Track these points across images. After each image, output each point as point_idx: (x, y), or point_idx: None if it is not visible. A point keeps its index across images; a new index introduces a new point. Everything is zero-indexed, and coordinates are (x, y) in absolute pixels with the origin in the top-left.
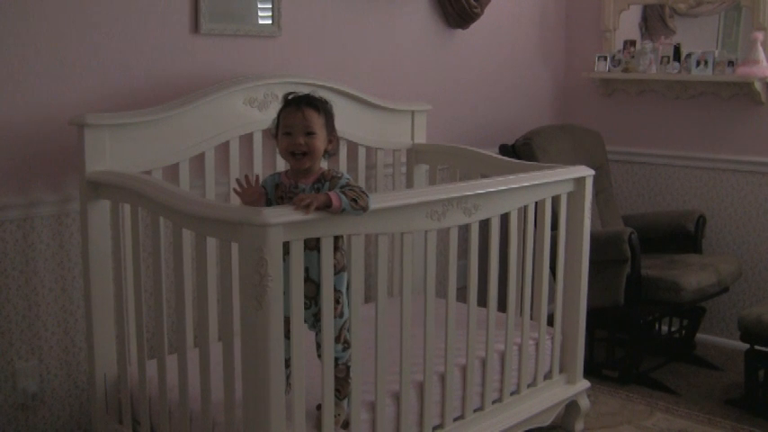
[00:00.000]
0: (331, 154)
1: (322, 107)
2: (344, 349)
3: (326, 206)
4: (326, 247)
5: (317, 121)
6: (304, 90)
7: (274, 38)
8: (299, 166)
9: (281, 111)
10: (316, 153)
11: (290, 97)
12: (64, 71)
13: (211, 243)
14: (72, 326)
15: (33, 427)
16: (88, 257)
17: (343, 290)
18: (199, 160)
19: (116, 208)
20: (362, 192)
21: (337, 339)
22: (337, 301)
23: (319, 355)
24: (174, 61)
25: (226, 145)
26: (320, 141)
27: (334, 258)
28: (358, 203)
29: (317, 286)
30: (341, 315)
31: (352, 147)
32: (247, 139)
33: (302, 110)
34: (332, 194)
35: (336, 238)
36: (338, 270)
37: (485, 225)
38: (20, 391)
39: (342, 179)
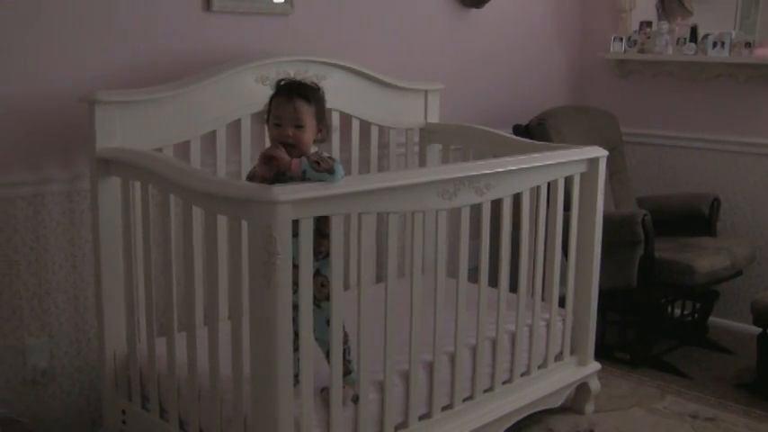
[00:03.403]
0: (321, 141)
1: (313, 96)
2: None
3: (287, 169)
4: (307, 228)
5: (306, 112)
6: (314, 70)
7: (287, 15)
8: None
9: (272, 98)
10: (303, 145)
11: (282, 83)
12: (75, 48)
13: (222, 220)
14: (82, 303)
15: (43, 403)
16: (98, 235)
17: (329, 275)
18: (210, 138)
19: (126, 185)
20: (329, 157)
21: (328, 323)
22: (322, 285)
23: (316, 338)
24: (185, 38)
25: (237, 123)
26: (309, 133)
27: (322, 244)
28: (320, 165)
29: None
30: (327, 298)
31: (365, 126)
32: (259, 118)
33: (293, 101)
34: (295, 160)
35: (323, 225)
36: (324, 255)
37: (496, 205)
38: (30, 368)
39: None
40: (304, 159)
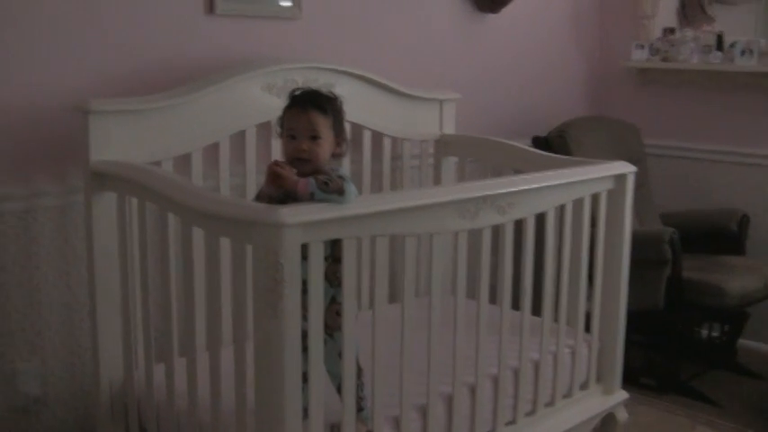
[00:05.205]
0: (339, 156)
1: (330, 107)
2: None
3: (293, 190)
4: (317, 253)
5: (323, 123)
6: (324, 78)
7: (295, 20)
8: (298, 169)
9: (285, 109)
10: (319, 160)
11: (296, 93)
12: (69, 54)
13: (225, 242)
14: (77, 325)
15: None
16: (93, 253)
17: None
18: (212, 150)
19: (123, 201)
20: (339, 176)
21: (340, 355)
22: (337, 314)
23: (327, 370)
24: (186, 44)
25: (241, 134)
26: (326, 146)
27: (337, 270)
28: (329, 186)
29: None
30: (341, 328)
31: (377, 137)
32: (265, 128)
33: (308, 112)
34: (302, 180)
35: (336, 249)
36: (339, 282)
37: (517, 224)
38: (21, 394)
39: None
40: (311, 180)
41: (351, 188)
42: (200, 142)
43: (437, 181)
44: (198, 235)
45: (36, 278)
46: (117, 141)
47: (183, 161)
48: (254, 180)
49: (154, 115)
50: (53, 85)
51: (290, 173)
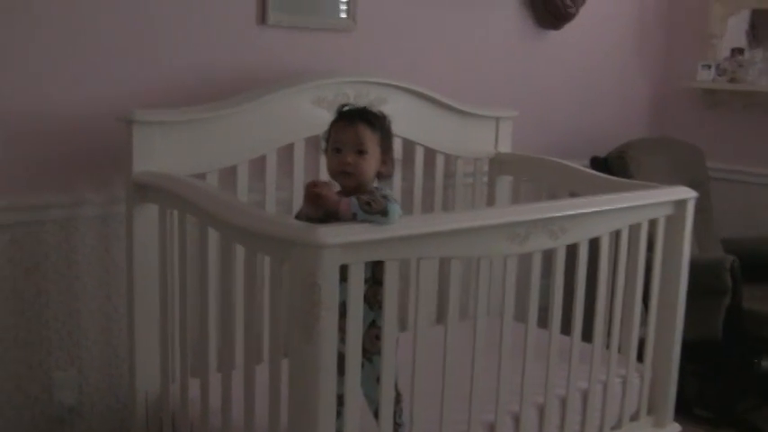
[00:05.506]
0: (385, 177)
1: (378, 123)
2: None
3: (334, 211)
4: (357, 275)
5: (370, 138)
6: (376, 92)
7: (348, 32)
8: (342, 184)
9: (332, 124)
10: (363, 176)
11: (344, 109)
12: (117, 63)
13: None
14: (116, 336)
15: None
16: (132, 265)
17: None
18: (259, 163)
19: (164, 214)
20: (383, 196)
21: (378, 380)
22: (377, 338)
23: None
24: (237, 54)
25: (290, 147)
26: (372, 162)
27: (378, 293)
28: (372, 207)
29: None
30: (380, 353)
31: (430, 154)
32: (313, 142)
33: (356, 125)
34: (344, 200)
35: (378, 271)
36: (380, 305)
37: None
38: (56, 404)
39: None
40: (353, 200)
41: (394, 208)
42: (246, 155)
43: (491, 201)
44: (239, 251)
45: (76, 287)
46: (161, 152)
47: (229, 174)
48: (302, 195)
49: (199, 126)
50: (101, 95)
51: (330, 192)
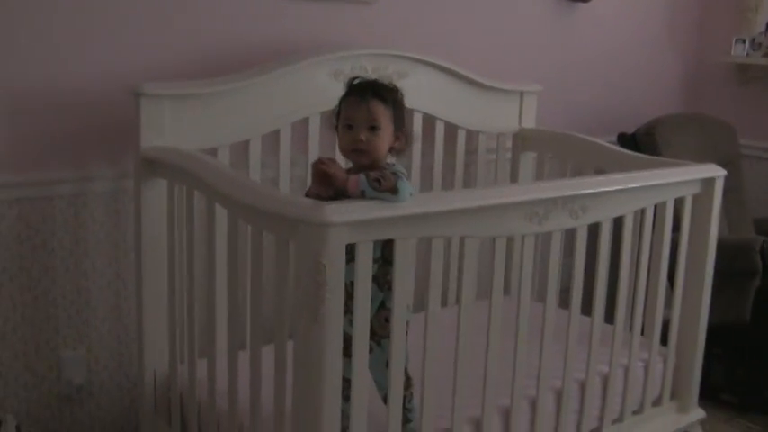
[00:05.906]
0: (399, 152)
1: (391, 98)
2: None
3: (343, 189)
4: (365, 254)
5: (383, 113)
6: (395, 66)
7: (369, 4)
8: (354, 162)
9: (342, 99)
10: (377, 152)
11: (354, 83)
12: (129, 36)
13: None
14: (125, 314)
15: (78, 421)
16: (141, 242)
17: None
18: (273, 138)
19: (173, 189)
20: (393, 173)
21: (387, 365)
22: (386, 320)
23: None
24: (254, 27)
25: (305, 122)
26: (385, 138)
27: (388, 273)
28: (381, 184)
29: None
30: (388, 335)
31: (451, 129)
32: (328, 119)
33: (367, 101)
34: (352, 178)
35: (387, 250)
36: (389, 286)
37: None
38: (65, 382)
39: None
40: (362, 177)
41: (405, 186)
42: (259, 129)
43: (514, 177)
44: (246, 229)
45: (84, 264)
46: (171, 126)
47: (242, 149)
48: None
49: (211, 100)
50: (112, 68)
51: (338, 170)
